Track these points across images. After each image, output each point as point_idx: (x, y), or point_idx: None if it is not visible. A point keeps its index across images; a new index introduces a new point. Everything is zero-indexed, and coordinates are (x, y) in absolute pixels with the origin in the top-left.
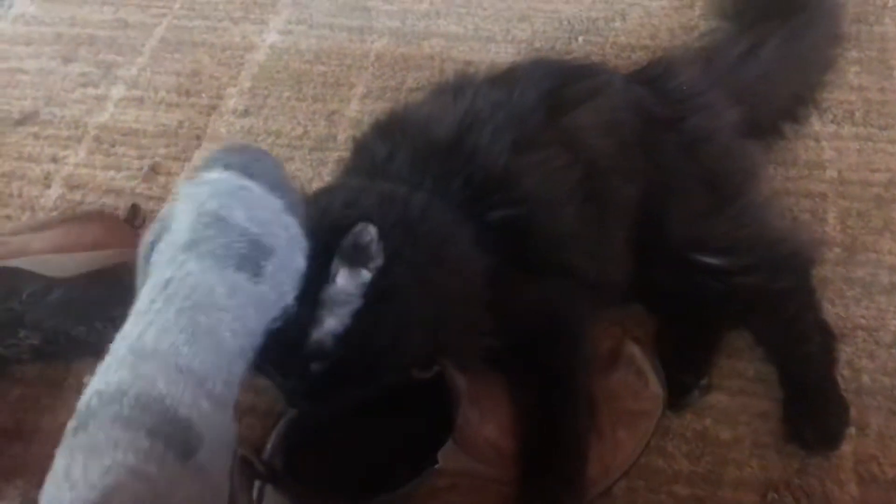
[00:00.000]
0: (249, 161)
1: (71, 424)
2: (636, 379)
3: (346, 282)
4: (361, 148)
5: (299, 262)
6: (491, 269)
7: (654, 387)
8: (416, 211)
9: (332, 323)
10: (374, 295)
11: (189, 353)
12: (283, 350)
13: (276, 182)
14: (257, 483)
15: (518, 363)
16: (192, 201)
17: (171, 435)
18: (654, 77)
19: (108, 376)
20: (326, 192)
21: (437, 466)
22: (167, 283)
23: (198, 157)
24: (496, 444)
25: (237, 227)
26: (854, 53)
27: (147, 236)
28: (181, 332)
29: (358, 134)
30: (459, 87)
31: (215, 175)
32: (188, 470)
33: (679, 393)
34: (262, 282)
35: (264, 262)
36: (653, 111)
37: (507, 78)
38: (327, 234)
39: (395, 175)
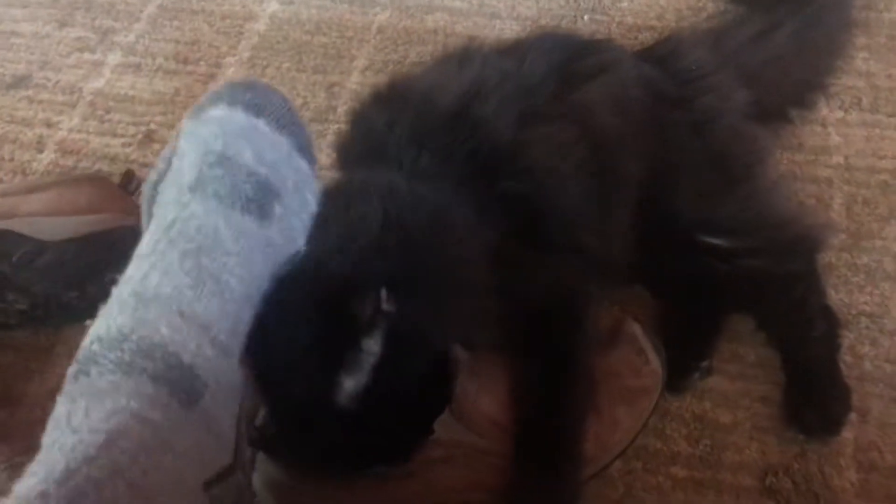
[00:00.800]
0: (257, 98)
1: (72, 370)
2: (636, 357)
3: (370, 345)
4: (360, 119)
5: (310, 203)
6: (495, 245)
7: (655, 365)
8: (422, 233)
9: (352, 384)
10: (392, 341)
11: (193, 297)
12: (303, 418)
13: (285, 120)
14: (249, 450)
15: (521, 339)
16: (196, 139)
17: (174, 381)
18: (662, 56)
19: (109, 320)
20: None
21: (433, 437)
22: (171, 224)
23: None
24: (493, 417)
25: (244, 168)
26: (863, 40)
27: (151, 175)
28: (186, 275)
29: (356, 105)
30: (465, 55)
31: (220, 112)
32: (193, 416)
33: (680, 375)
34: (270, 225)
35: (272, 204)
36: (662, 89)
37: (515, 49)
38: (330, 298)
39: (395, 147)
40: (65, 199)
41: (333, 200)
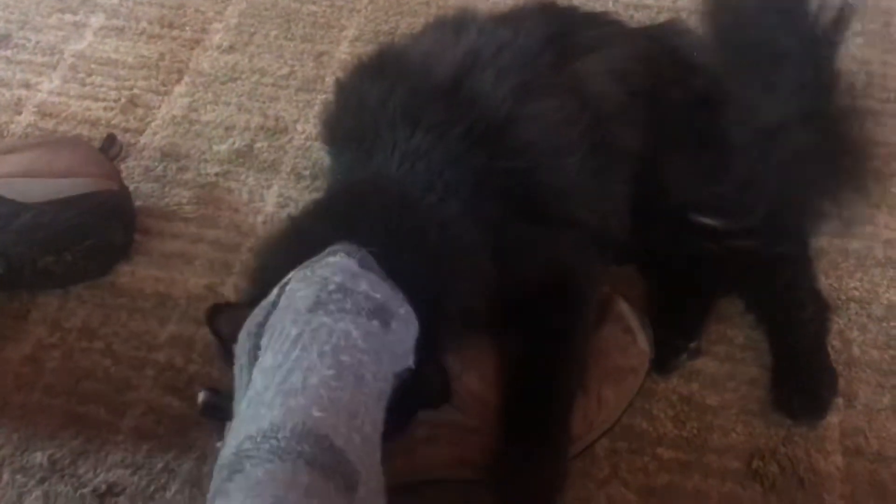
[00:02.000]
0: (363, 256)
1: (219, 476)
2: (624, 335)
3: None
4: (348, 92)
5: (412, 337)
6: (493, 219)
7: (642, 344)
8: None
9: None
10: None
11: (338, 386)
12: None
13: (384, 274)
14: (228, 425)
15: (517, 316)
16: (312, 278)
17: (329, 466)
18: (663, 35)
19: (255, 423)
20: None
21: (416, 416)
22: (299, 336)
23: (178, 91)
24: (478, 394)
25: (362, 293)
26: (858, 26)
27: (255, 317)
28: (328, 368)
29: (343, 76)
30: (460, 24)
31: (337, 259)
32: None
33: (668, 355)
34: (391, 334)
35: (390, 318)
36: (660, 66)
37: (511, 19)
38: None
39: (388, 126)
40: (43, 161)
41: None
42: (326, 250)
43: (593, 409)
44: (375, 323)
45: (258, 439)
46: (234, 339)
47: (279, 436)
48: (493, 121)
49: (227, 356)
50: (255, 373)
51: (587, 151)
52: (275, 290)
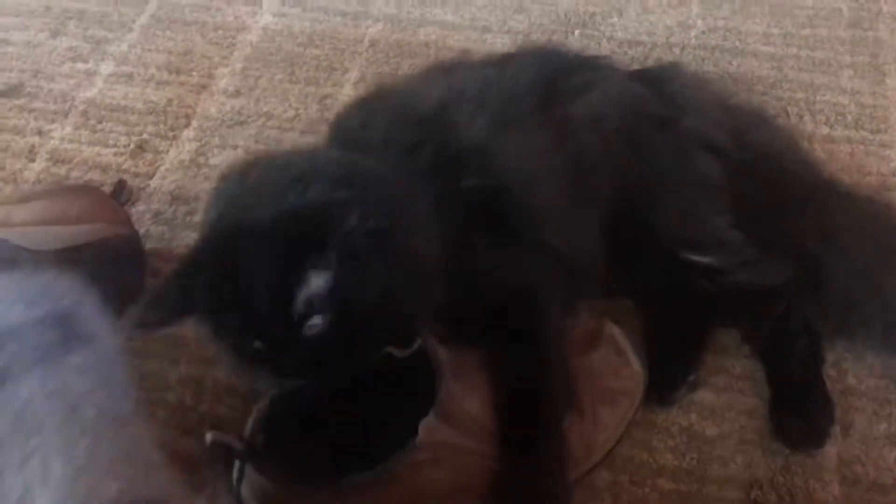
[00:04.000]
0: None
1: None
2: (616, 357)
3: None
4: (336, 124)
5: None
6: (457, 235)
7: (636, 366)
8: (368, 179)
9: (316, 283)
10: (348, 263)
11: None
12: (269, 316)
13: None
14: (237, 463)
15: (491, 334)
16: None
17: None
18: (655, 77)
19: None
20: (271, 164)
21: (417, 439)
22: None
23: (186, 135)
24: (479, 418)
25: None
26: (848, 58)
27: None
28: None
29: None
30: (454, 64)
31: None
32: None
33: (667, 388)
34: None
35: None
36: (648, 109)
37: (504, 61)
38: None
39: (365, 145)
40: (56, 209)
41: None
42: None
43: (590, 431)
44: None
45: None
46: None
47: None
48: (466, 144)
49: None
50: None
51: (563, 183)
52: None
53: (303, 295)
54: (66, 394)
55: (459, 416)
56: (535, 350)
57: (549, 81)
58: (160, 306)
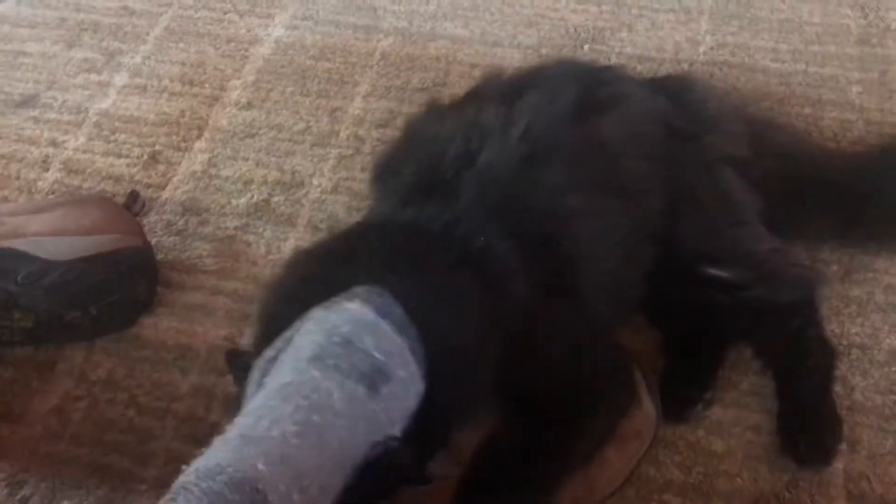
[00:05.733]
0: (384, 303)
1: (165, 498)
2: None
3: None
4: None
5: (411, 400)
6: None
7: (648, 407)
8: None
9: None
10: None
11: (296, 444)
12: None
13: (403, 325)
14: None
15: (523, 402)
16: (324, 324)
17: None
18: (675, 89)
19: (210, 457)
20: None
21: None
22: (287, 384)
23: (198, 147)
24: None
25: (364, 351)
26: (856, 74)
27: (268, 352)
28: (294, 424)
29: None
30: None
31: (353, 306)
32: None
33: (683, 406)
34: (377, 401)
35: (382, 384)
36: (673, 123)
37: (529, 79)
38: None
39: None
40: (70, 219)
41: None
42: (349, 291)
43: (594, 471)
44: (361, 388)
45: (202, 474)
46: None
47: (217, 478)
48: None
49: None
50: (243, 409)
51: (611, 217)
52: (294, 325)
53: None
54: None
55: (458, 449)
56: (567, 448)
57: (577, 99)
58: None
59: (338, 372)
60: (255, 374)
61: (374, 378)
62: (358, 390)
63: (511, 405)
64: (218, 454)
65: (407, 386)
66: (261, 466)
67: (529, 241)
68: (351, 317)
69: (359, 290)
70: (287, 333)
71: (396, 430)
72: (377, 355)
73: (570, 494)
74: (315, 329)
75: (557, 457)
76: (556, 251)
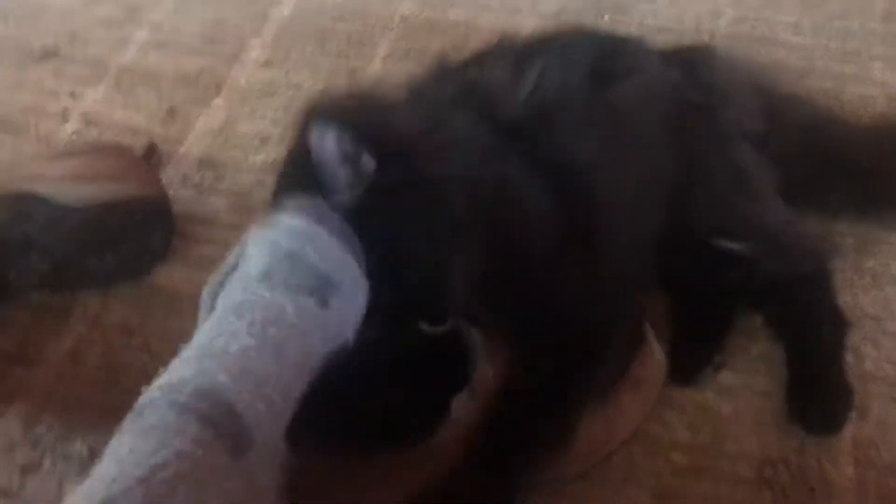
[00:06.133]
0: (318, 211)
1: (127, 418)
2: (641, 346)
3: None
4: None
5: (360, 302)
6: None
7: (658, 354)
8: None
9: None
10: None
11: (255, 356)
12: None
13: (341, 231)
14: None
15: (531, 342)
16: (265, 242)
17: (222, 425)
18: (690, 61)
19: (173, 373)
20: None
21: (450, 415)
22: (240, 304)
23: (216, 104)
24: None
25: (308, 264)
26: (879, 50)
27: (215, 276)
28: (251, 337)
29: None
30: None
31: (288, 220)
32: (234, 467)
33: (693, 369)
34: (328, 310)
35: (331, 294)
36: (688, 95)
37: (542, 46)
38: None
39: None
40: (89, 167)
41: None
42: (281, 204)
43: (612, 417)
44: (312, 301)
45: (166, 389)
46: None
47: (183, 391)
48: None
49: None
50: (196, 332)
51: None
52: (234, 251)
53: None
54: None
55: (490, 398)
56: (565, 389)
57: (593, 66)
58: None
59: (287, 288)
60: (205, 299)
61: (323, 290)
62: (309, 303)
63: (526, 346)
64: (179, 371)
65: (354, 291)
66: (224, 378)
67: (541, 183)
68: (288, 230)
69: (290, 202)
70: (229, 261)
71: (349, 334)
72: (321, 266)
73: (590, 438)
74: (257, 250)
75: (575, 394)
76: (570, 198)
